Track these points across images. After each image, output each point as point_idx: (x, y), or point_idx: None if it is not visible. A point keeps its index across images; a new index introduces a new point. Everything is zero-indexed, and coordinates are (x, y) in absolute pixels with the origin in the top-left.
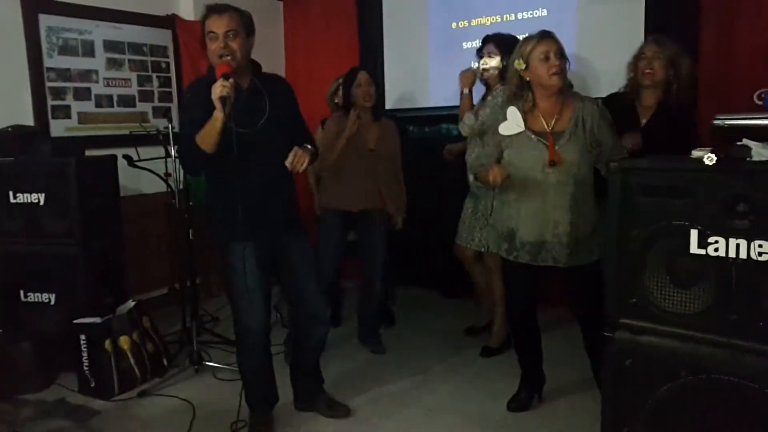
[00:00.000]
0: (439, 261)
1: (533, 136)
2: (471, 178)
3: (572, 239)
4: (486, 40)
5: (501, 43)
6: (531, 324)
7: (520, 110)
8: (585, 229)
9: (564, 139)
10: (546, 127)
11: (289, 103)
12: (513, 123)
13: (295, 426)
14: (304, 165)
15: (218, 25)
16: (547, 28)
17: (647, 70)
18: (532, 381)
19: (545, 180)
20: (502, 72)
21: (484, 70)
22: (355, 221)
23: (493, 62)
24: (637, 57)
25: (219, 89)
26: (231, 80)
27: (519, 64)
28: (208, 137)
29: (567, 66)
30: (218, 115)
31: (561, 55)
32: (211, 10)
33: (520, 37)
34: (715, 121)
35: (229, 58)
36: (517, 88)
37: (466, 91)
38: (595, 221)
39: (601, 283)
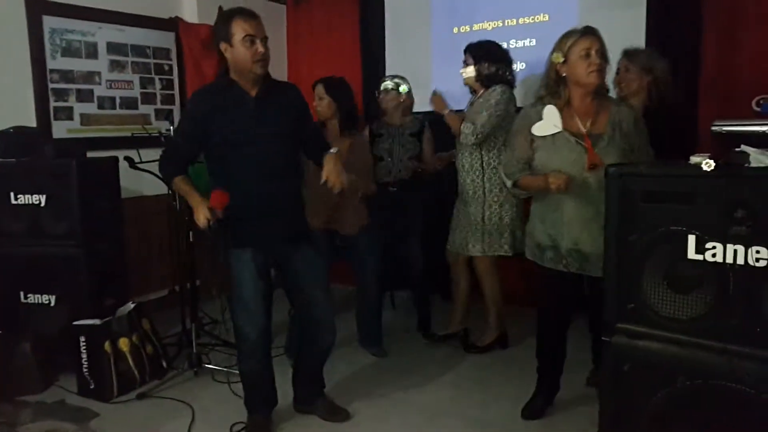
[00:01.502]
0: (438, 264)
1: (571, 138)
2: (509, 184)
3: None
4: (465, 50)
5: (476, 50)
6: (561, 336)
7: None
8: None
9: (603, 142)
10: (582, 128)
11: (297, 111)
12: (549, 123)
13: (293, 428)
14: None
15: (258, 30)
16: (549, 34)
17: (621, 84)
18: (549, 389)
19: (585, 183)
20: (483, 78)
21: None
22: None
23: (468, 70)
24: (616, 73)
25: (202, 222)
26: (218, 216)
27: (557, 58)
28: (179, 192)
29: (606, 68)
30: (199, 217)
31: (602, 54)
32: (245, 14)
33: (522, 43)
34: (713, 128)
35: (262, 65)
36: (552, 83)
37: (446, 111)
38: None
39: None
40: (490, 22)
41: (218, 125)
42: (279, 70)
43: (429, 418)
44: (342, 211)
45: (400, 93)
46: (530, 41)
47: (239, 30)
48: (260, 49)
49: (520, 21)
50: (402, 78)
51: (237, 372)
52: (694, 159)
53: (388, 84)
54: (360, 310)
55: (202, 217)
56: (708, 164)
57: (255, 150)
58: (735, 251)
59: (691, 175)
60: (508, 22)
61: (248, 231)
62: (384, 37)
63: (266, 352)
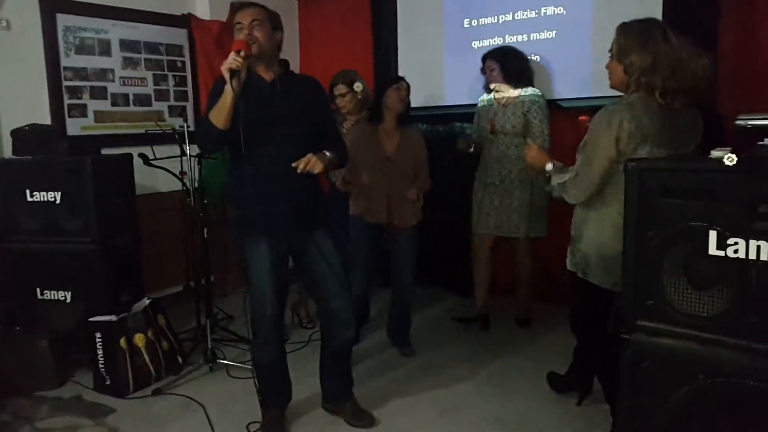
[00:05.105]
0: (452, 260)
1: None
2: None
3: None
4: (486, 57)
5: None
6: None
7: None
8: None
9: None
10: None
11: (316, 103)
12: None
13: (309, 424)
14: (317, 170)
15: (244, 16)
16: (565, 26)
17: None
18: (581, 376)
19: None
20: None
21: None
22: (384, 231)
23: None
24: None
25: (230, 62)
26: (242, 53)
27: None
28: (219, 112)
29: None
30: (227, 88)
31: None
32: (235, 6)
33: (541, 36)
34: (738, 122)
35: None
36: None
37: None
38: None
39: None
40: (502, 16)
41: (235, 108)
42: (291, 64)
43: (442, 414)
44: (399, 205)
45: (356, 92)
46: (549, 34)
47: (233, 21)
48: (245, 31)
49: (531, 14)
50: (351, 73)
51: (251, 367)
52: (715, 153)
53: (341, 88)
54: (394, 309)
55: (230, 59)
56: (730, 158)
57: (268, 135)
58: (758, 247)
59: (712, 169)
60: (518, 15)
61: (262, 220)
62: (396, 30)
63: (279, 344)
